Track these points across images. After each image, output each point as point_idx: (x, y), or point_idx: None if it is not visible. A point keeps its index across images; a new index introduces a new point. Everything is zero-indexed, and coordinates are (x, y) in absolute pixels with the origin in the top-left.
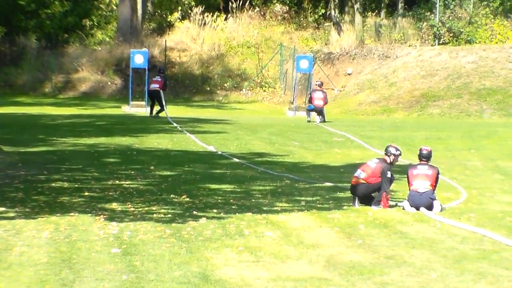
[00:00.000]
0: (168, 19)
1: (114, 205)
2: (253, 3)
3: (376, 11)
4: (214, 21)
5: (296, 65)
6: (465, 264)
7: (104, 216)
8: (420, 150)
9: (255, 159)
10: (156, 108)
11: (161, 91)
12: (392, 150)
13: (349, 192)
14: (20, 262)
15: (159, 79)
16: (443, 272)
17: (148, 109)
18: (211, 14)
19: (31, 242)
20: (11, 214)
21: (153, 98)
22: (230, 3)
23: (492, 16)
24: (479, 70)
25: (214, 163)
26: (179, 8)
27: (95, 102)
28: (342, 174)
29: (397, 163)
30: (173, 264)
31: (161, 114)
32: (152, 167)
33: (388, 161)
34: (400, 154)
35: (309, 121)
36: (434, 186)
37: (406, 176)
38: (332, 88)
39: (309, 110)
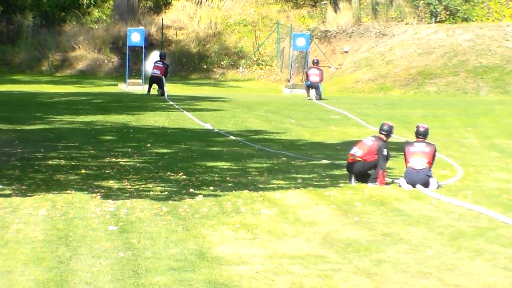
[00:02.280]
0: None
1: (111, 183)
2: None
3: None
4: None
5: (293, 43)
6: (461, 241)
7: (101, 194)
8: (417, 127)
9: (252, 137)
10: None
11: (163, 77)
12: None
13: (346, 169)
14: (17, 239)
15: (161, 65)
16: (440, 249)
17: (146, 87)
18: None
19: (27, 219)
20: (8, 192)
21: (155, 83)
22: None
23: None
24: (476, 48)
25: (210, 140)
26: None
27: (92, 80)
28: (338, 151)
29: (393, 140)
30: (169, 242)
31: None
32: (148, 145)
33: (384, 138)
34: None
35: (309, 99)
36: (431, 163)
37: (402, 153)
38: (328, 66)
39: (307, 86)
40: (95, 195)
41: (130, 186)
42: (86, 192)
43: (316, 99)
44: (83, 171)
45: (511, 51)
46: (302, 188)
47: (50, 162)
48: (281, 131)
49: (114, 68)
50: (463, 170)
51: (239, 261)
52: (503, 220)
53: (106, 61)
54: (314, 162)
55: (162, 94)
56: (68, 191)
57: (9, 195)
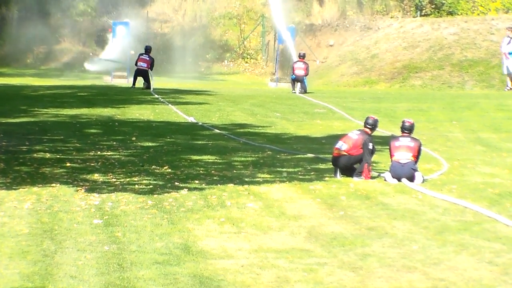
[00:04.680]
0: None
1: (96, 176)
2: None
3: None
4: None
5: (277, 36)
6: (446, 235)
7: (86, 187)
8: (403, 122)
9: (237, 130)
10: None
11: (149, 70)
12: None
13: (331, 163)
14: (2, 233)
15: (147, 58)
16: (425, 244)
17: (131, 79)
18: None
19: (12, 213)
20: None
21: (140, 76)
22: None
23: None
24: (461, 42)
25: (196, 134)
26: None
27: (76, 73)
28: (323, 145)
29: (379, 134)
30: (154, 235)
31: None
32: (134, 138)
33: (369, 132)
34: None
35: (294, 92)
36: (416, 157)
37: (387, 147)
38: (314, 60)
39: (292, 80)
40: (80, 188)
41: (115, 180)
42: (71, 185)
43: (299, 92)
44: (68, 164)
45: (496, 45)
46: (287, 182)
47: (35, 155)
48: (266, 124)
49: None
50: (448, 164)
51: (224, 255)
52: (488, 215)
53: (91, 54)
54: (299, 156)
55: (148, 87)
56: (53, 185)
57: None
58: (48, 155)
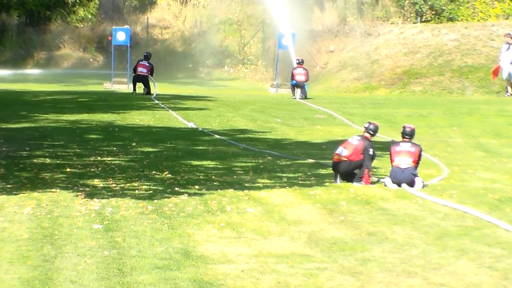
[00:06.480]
0: None
1: (96, 181)
2: None
3: None
4: None
5: (278, 42)
6: (446, 240)
7: (86, 192)
8: (404, 127)
9: (237, 136)
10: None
11: (148, 76)
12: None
13: (331, 168)
14: (2, 238)
15: (147, 64)
16: (425, 249)
17: (131, 85)
18: None
19: (12, 218)
20: None
21: (140, 82)
22: None
23: None
24: (461, 48)
25: (196, 139)
26: None
27: (77, 79)
28: (324, 150)
29: (379, 139)
30: (154, 240)
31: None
32: (134, 144)
33: (369, 137)
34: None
35: (294, 98)
36: (416, 162)
37: (388, 152)
38: (314, 66)
39: (292, 86)
40: (80, 193)
41: (115, 185)
42: (71, 190)
43: (299, 97)
44: (68, 169)
45: (496, 51)
46: (288, 187)
47: (35, 160)
48: (266, 130)
49: (99, 67)
50: (448, 170)
51: (224, 260)
52: (488, 220)
53: (91, 60)
54: (299, 161)
55: (148, 93)
56: (53, 190)
57: None
58: (48, 161)
